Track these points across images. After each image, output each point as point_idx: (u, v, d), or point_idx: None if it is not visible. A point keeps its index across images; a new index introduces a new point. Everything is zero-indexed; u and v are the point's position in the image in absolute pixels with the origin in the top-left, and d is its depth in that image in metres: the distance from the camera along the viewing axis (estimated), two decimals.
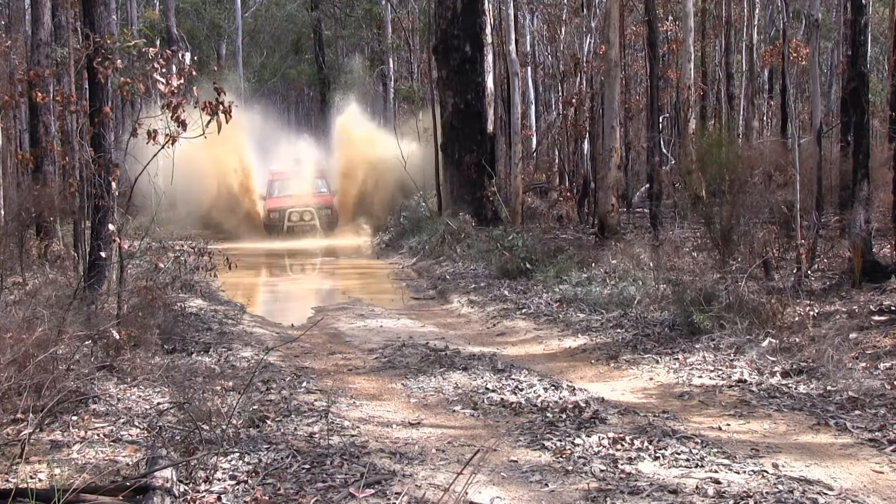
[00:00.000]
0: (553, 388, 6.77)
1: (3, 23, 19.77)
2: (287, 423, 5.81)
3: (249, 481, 4.63)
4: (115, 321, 7.47)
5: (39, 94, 12.79)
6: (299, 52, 39.49)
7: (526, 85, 25.67)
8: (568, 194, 21.25)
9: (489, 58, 20.27)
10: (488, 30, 20.25)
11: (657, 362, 7.63)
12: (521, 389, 6.75)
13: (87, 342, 7.01)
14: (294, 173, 25.47)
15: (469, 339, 9.57)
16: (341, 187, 25.92)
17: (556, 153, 25.73)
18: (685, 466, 4.84)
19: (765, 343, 7.62)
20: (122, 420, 5.76)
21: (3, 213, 13.40)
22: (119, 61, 8.27)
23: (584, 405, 6.15)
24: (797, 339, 7.55)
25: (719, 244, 10.66)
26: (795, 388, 6.50)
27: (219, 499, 4.42)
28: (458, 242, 16.67)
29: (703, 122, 20.90)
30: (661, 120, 19.02)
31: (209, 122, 7.60)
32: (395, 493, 4.43)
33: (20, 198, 13.11)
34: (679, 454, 5.02)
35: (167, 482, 4.30)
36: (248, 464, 4.90)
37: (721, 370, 7.15)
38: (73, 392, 5.87)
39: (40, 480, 4.66)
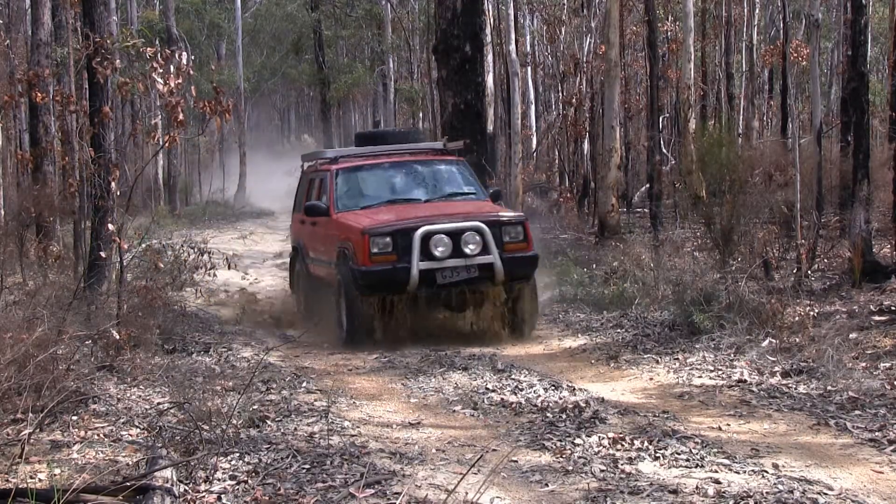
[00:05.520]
0: (553, 388, 6.77)
1: (3, 23, 19.77)
2: (287, 423, 5.81)
3: (249, 481, 4.63)
4: (115, 321, 7.47)
5: (39, 94, 12.79)
6: (299, 52, 39.43)
7: (526, 85, 25.68)
8: (568, 194, 21.24)
9: (489, 58, 20.25)
10: (488, 30, 20.22)
11: (657, 362, 7.62)
12: (521, 389, 6.74)
13: (87, 342, 7.01)
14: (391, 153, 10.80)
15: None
16: None
17: (556, 153, 25.73)
18: (685, 466, 4.84)
19: (765, 343, 7.62)
20: (122, 420, 5.76)
21: (3, 213, 13.40)
22: (118, 61, 8.27)
23: (584, 405, 6.15)
24: (797, 339, 7.54)
25: (719, 244, 10.66)
26: (795, 388, 6.50)
27: (219, 499, 4.42)
28: None
29: (703, 122, 20.89)
30: (661, 120, 19.01)
31: (208, 121, 7.61)
32: (395, 493, 4.43)
33: (20, 198, 13.10)
34: (679, 454, 5.02)
35: (167, 482, 4.30)
36: (248, 464, 4.90)
37: (721, 370, 7.15)
38: (73, 392, 5.87)
39: (40, 480, 4.66)
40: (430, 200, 9.97)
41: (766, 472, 4.72)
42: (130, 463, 4.93)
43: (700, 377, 7.06)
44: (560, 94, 24.65)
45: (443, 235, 8.76)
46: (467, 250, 8.78)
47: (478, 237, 8.80)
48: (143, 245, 10.75)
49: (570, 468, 4.83)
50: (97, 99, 8.86)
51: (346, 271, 8.88)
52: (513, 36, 19.73)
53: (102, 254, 8.68)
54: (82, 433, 5.46)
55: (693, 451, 5.08)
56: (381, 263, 8.73)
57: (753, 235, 10.64)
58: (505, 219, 9.20)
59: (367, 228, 8.86)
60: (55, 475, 4.70)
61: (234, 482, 4.62)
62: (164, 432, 5.31)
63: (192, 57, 7.75)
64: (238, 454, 5.01)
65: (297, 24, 37.29)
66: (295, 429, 5.67)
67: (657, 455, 5.01)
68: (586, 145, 20.95)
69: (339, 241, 9.28)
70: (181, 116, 7.68)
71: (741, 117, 23.27)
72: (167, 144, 7.74)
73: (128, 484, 4.20)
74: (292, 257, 11.28)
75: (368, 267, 8.69)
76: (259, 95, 42.85)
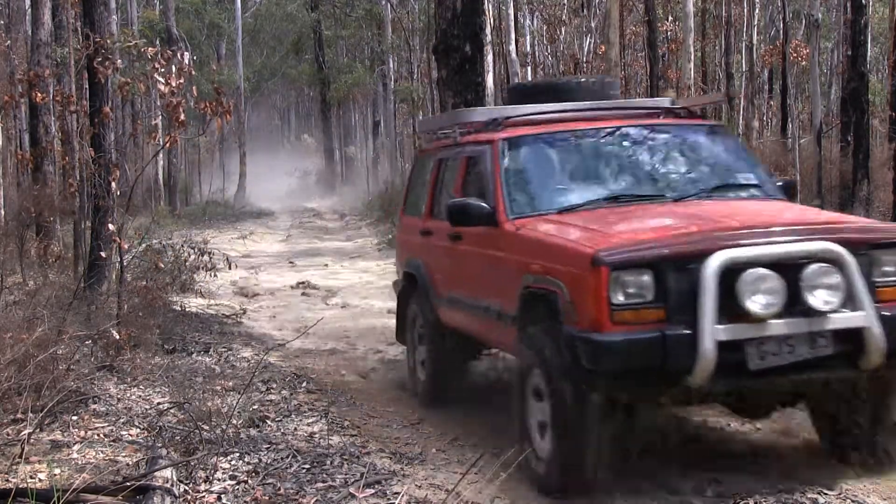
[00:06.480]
0: None
1: (3, 23, 19.77)
2: (287, 423, 5.81)
3: (249, 481, 4.63)
4: (115, 321, 7.47)
5: (39, 94, 12.78)
6: (299, 52, 39.53)
7: None
8: None
9: (489, 58, 20.23)
10: (488, 30, 20.21)
11: None
12: None
13: (87, 342, 7.01)
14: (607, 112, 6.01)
15: None
16: None
17: None
18: (685, 466, 4.83)
19: None
20: (122, 420, 5.75)
21: (3, 213, 13.41)
22: (118, 61, 8.29)
23: None
24: None
25: None
26: None
27: (219, 499, 4.42)
28: None
29: None
30: None
31: (209, 121, 7.63)
32: (395, 493, 4.43)
33: (20, 198, 13.10)
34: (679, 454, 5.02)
35: (167, 482, 4.30)
36: (248, 464, 4.90)
37: None
38: (73, 392, 5.87)
39: (40, 480, 4.66)
40: (685, 198, 5.25)
41: (767, 471, 4.72)
42: (130, 463, 4.92)
43: None
44: None
45: (764, 270, 4.16)
46: (815, 301, 4.20)
47: (836, 275, 4.21)
48: (143, 245, 10.75)
49: None
50: (97, 99, 8.87)
51: (551, 340, 4.48)
52: (513, 36, 19.73)
53: (102, 254, 8.68)
54: (82, 433, 5.46)
55: (693, 450, 5.07)
56: (636, 326, 4.17)
57: None
58: (875, 235, 4.51)
59: (602, 252, 4.25)
60: (55, 475, 4.70)
61: (234, 482, 4.62)
62: (164, 432, 5.31)
63: (193, 57, 7.77)
64: (238, 454, 5.01)
65: (297, 24, 37.40)
66: (295, 429, 5.67)
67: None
68: None
69: (524, 274, 4.85)
70: (182, 116, 7.68)
71: (741, 117, 23.27)
72: (167, 144, 7.75)
73: (128, 484, 4.20)
74: (402, 292, 6.99)
75: (608, 334, 4.15)
76: (259, 95, 42.90)
